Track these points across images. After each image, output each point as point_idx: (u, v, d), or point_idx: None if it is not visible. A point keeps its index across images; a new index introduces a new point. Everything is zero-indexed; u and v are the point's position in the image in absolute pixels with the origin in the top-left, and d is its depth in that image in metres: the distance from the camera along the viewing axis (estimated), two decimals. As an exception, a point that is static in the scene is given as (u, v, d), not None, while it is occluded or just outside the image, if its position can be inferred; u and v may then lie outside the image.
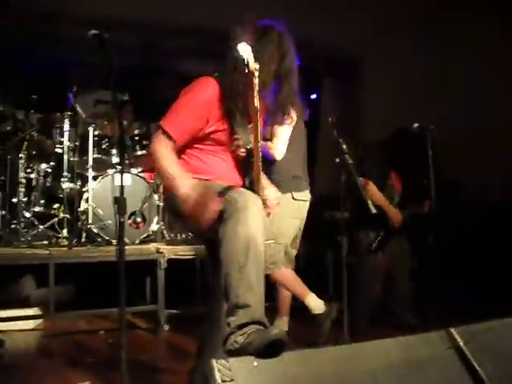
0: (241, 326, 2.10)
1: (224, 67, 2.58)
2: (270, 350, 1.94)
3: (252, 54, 2.26)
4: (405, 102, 6.24)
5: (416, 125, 3.98)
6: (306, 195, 3.90)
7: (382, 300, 4.68)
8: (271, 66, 2.56)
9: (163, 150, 2.49)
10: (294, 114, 3.01)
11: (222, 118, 2.56)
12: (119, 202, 2.36)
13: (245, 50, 2.26)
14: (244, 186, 2.60)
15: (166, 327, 4.61)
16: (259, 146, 2.40)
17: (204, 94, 2.54)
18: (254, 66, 2.25)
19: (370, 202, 3.12)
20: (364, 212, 4.32)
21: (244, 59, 2.25)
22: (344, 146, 3.24)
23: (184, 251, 4.84)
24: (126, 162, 5.15)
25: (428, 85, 6.37)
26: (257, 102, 2.27)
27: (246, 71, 2.26)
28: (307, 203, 3.92)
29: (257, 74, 2.26)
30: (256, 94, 2.27)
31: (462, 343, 2.23)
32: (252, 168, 2.53)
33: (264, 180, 2.78)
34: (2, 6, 5.30)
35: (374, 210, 3.09)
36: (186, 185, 2.37)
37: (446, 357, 2.21)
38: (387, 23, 6.44)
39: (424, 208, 4.57)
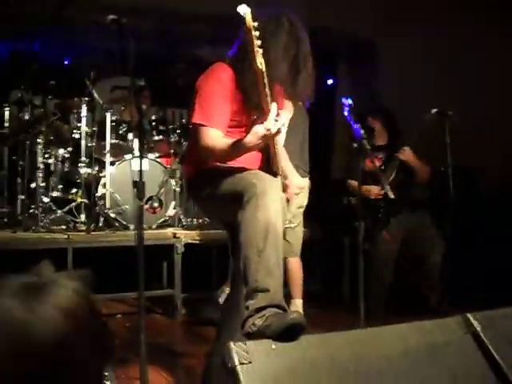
0: (259, 309, 2.12)
1: (235, 52, 2.58)
2: (288, 333, 1.96)
3: (250, 12, 2.21)
4: (421, 88, 6.19)
5: (434, 110, 3.96)
6: None
7: (411, 279, 4.69)
8: (289, 53, 2.54)
9: (211, 139, 2.48)
10: (291, 105, 2.97)
11: (239, 99, 2.56)
12: (138, 186, 2.38)
13: (243, 9, 2.22)
14: (263, 166, 2.59)
15: (183, 311, 4.66)
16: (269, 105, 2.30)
17: (220, 78, 2.54)
18: (251, 23, 2.20)
19: (387, 187, 3.11)
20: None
21: (243, 17, 2.22)
22: (362, 131, 3.23)
23: (200, 236, 4.86)
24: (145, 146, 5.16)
25: (444, 70, 6.31)
26: (260, 64, 2.22)
27: (244, 28, 2.23)
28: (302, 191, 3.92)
29: (257, 33, 2.21)
30: (257, 53, 2.22)
31: (479, 329, 2.23)
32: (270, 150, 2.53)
33: (289, 166, 2.79)
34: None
35: (391, 196, 3.08)
36: (250, 139, 2.31)
37: (462, 342, 2.21)
38: (402, 7, 6.38)
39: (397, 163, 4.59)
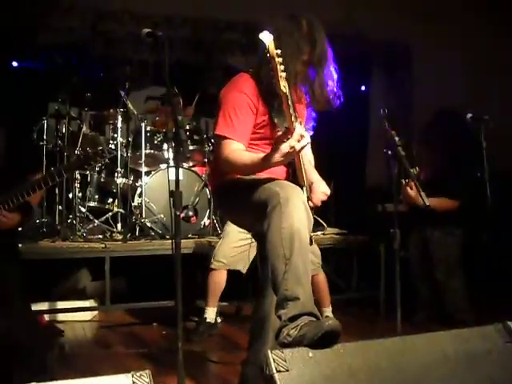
0: (292, 319, 2.11)
1: (257, 62, 2.58)
2: (324, 340, 1.95)
3: (273, 40, 2.21)
4: (457, 91, 6.13)
5: (470, 115, 3.91)
6: None
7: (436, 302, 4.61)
8: (302, 54, 2.55)
9: (233, 152, 2.48)
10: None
11: (263, 111, 2.57)
12: (174, 195, 2.40)
13: (265, 36, 2.22)
14: (288, 178, 2.60)
15: (219, 320, 4.67)
16: (294, 126, 2.29)
17: (244, 90, 2.54)
18: (274, 51, 2.20)
19: (423, 193, 3.07)
20: None
21: (265, 46, 2.21)
22: (396, 138, 3.21)
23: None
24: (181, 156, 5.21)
25: (481, 73, 6.24)
26: (284, 88, 2.22)
27: (268, 56, 2.22)
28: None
29: (280, 59, 2.20)
30: (281, 78, 2.20)
31: (520, 337, 2.19)
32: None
33: (313, 172, 2.79)
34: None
35: (427, 202, 3.05)
36: (273, 156, 2.28)
37: (504, 351, 2.17)
38: (438, 11, 6.34)
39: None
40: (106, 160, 4.84)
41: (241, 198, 2.51)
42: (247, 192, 2.46)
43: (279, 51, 2.21)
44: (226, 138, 2.51)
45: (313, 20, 2.61)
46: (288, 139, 2.22)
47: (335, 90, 2.66)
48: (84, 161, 3.13)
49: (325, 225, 2.72)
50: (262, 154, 2.39)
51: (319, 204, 2.66)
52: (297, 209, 2.24)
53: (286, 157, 2.26)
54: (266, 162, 2.33)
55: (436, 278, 4.57)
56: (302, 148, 2.25)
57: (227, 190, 2.63)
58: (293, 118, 2.28)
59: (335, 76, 2.65)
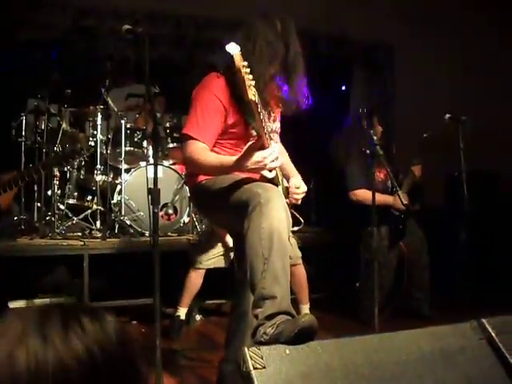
0: (269, 317, 2.13)
1: (225, 66, 2.59)
2: (301, 336, 1.96)
3: (239, 52, 2.23)
4: (438, 92, 6.18)
5: (448, 115, 3.95)
6: None
7: (402, 287, 4.69)
8: (277, 57, 2.57)
9: (195, 150, 2.50)
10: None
11: (235, 110, 2.58)
12: (153, 193, 2.40)
13: (232, 48, 2.24)
14: (264, 178, 2.61)
15: (198, 318, 4.67)
16: (267, 136, 2.38)
17: (213, 91, 2.56)
18: (241, 63, 2.22)
19: (400, 192, 3.10)
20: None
21: (232, 57, 2.23)
22: (375, 138, 3.23)
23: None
24: (160, 153, 5.19)
25: (462, 74, 6.29)
26: (253, 96, 2.25)
27: (235, 69, 2.24)
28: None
29: (247, 70, 2.23)
30: (249, 88, 2.23)
31: (494, 334, 2.21)
32: None
33: (290, 167, 2.81)
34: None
35: (405, 201, 3.08)
36: (244, 161, 2.35)
37: (478, 348, 2.20)
38: (420, 13, 6.38)
39: (414, 176, 4.54)
40: (85, 157, 4.84)
41: (220, 198, 2.52)
42: (227, 192, 2.47)
43: (246, 63, 2.23)
44: (190, 137, 2.52)
45: (286, 20, 2.63)
46: (259, 147, 2.27)
47: (305, 93, 2.69)
48: (62, 158, 3.11)
49: (302, 220, 2.75)
50: (231, 157, 2.43)
51: (298, 202, 2.68)
52: (277, 209, 2.26)
53: (255, 166, 2.32)
54: (234, 166, 2.38)
55: (422, 276, 4.72)
56: (271, 168, 2.34)
57: (206, 190, 2.63)
58: (263, 124, 2.34)
59: (305, 78, 2.67)
